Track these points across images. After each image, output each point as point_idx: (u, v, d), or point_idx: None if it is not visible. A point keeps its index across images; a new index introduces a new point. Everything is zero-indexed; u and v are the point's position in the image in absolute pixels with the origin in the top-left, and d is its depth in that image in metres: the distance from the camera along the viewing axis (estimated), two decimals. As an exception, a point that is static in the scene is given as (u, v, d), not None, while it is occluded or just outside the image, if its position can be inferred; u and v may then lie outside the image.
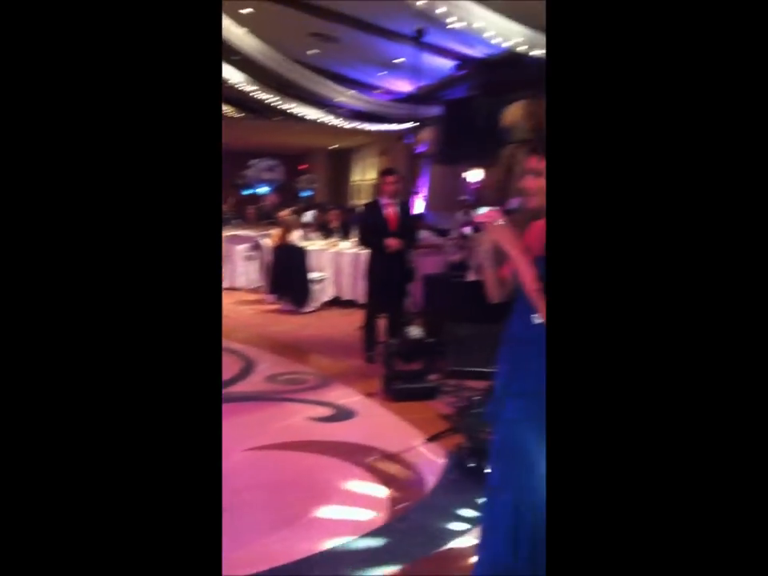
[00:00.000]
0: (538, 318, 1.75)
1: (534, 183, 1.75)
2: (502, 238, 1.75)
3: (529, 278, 1.72)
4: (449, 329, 4.76)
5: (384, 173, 5.19)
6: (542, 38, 5.04)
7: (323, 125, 11.32)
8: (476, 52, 7.80)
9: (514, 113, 7.87)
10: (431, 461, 3.23)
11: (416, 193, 10.35)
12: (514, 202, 1.83)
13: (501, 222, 1.74)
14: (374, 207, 5.13)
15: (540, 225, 1.86)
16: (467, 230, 1.75)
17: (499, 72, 7.98)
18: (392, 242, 4.89)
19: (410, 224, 5.23)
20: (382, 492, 2.87)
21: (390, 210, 5.00)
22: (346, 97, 10.02)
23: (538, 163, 1.74)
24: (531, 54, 5.18)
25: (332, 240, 8.02)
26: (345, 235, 8.41)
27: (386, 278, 5.00)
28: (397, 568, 2.27)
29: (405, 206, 5.30)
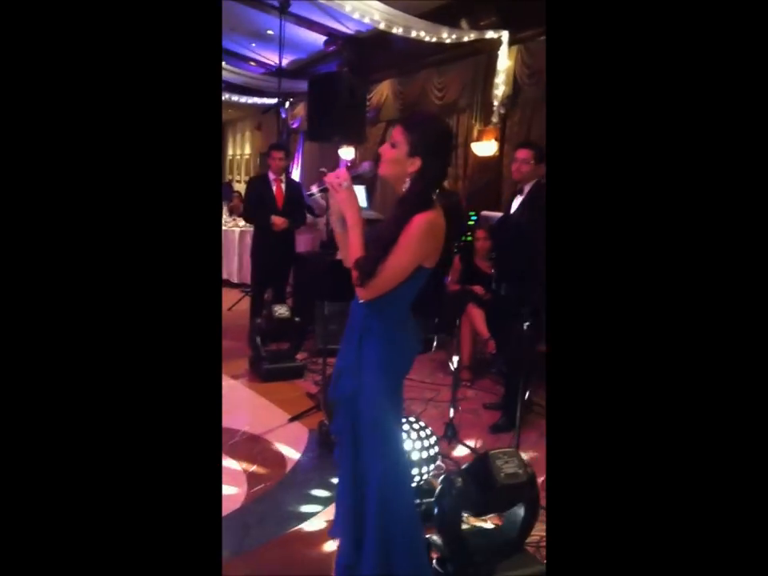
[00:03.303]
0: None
1: (389, 152, 1.72)
2: (342, 201, 1.71)
3: (352, 249, 1.70)
4: (318, 307, 4.78)
5: (273, 147, 4.89)
6: (400, 16, 5.08)
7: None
8: (345, 27, 7.75)
9: (382, 92, 7.96)
10: (292, 441, 3.26)
11: (292, 168, 10.23)
12: (364, 166, 1.81)
13: (346, 184, 1.70)
14: (262, 182, 4.84)
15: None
16: (314, 188, 1.76)
17: (366, 50, 7.99)
18: (279, 221, 4.68)
19: (297, 202, 4.92)
20: (240, 475, 2.86)
21: (278, 187, 4.80)
22: (217, 68, 9.63)
23: (398, 134, 1.71)
24: (393, 31, 5.20)
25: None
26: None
27: (269, 257, 4.79)
28: (248, 551, 2.29)
29: (292, 183, 5.05)
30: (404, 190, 1.72)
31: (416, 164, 1.69)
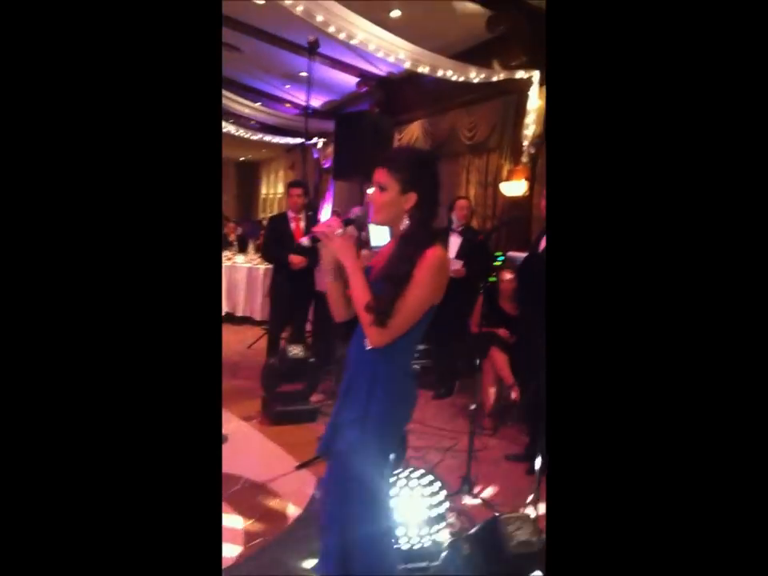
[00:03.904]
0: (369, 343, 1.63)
1: (380, 197, 1.63)
2: (339, 250, 1.63)
3: (358, 294, 1.60)
4: (335, 347, 4.62)
5: (290, 185, 4.85)
6: (426, 55, 5.00)
7: (229, 136, 10.98)
8: (377, 69, 7.77)
9: (412, 132, 7.91)
10: (297, 490, 3.06)
11: (323, 208, 10.25)
12: (355, 211, 1.71)
13: (340, 231, 1.62)
14: (281, 221, 4.76)
15: (386, 247, 1.75)
16: (305, 240, 1.68)
17: (397, 90, 7.98)
18: (296, 260, 4.53)
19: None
20: (238, 527, 2.67)
21: (297, 225, 4.69)
22: (252, 109, 9.75)
23: (384, 177, 1.62)
24: (419, 70, 5.13)
25: (226, 254, 7.70)
26: (241, 249, 8.14)
27: (287, 296, 4.65)
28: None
29: (312, 221, 4.88)
30: (403, 227, 1.65)
31: (411, 199, 1.62)
